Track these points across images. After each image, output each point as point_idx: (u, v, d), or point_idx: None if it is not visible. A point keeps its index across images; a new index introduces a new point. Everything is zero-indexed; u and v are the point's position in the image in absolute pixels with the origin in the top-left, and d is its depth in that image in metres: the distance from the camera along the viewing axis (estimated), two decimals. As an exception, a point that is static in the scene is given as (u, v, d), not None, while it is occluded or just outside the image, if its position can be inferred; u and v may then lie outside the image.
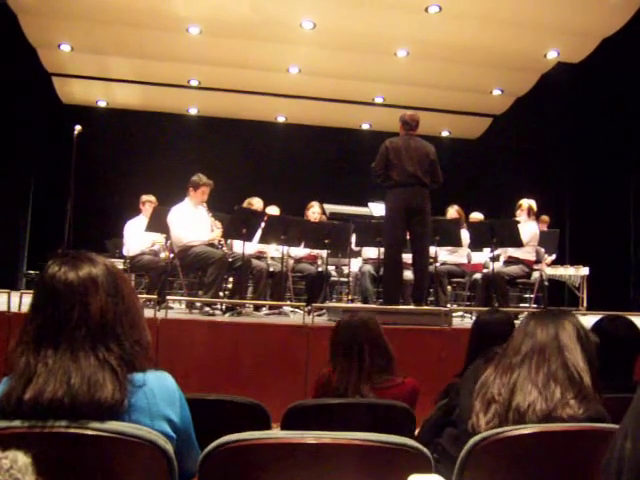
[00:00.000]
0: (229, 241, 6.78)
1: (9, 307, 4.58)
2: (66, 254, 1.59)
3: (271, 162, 11.84)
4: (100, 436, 1.38)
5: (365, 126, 12.62)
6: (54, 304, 1.49)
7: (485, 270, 7.23)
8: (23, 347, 1.47)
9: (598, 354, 1.83)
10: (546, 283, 7.39)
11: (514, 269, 6.79)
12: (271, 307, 6.59)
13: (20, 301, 4.58)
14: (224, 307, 6.15)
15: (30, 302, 1.54)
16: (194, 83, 11.09)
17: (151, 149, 11.31)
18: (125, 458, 1.42)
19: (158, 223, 6.65)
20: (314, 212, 7.48)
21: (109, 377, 1.44)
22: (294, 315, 6.44)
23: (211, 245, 6.32)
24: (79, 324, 1.47)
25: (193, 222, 6.31)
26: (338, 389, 2.58)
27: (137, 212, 7.50)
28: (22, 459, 0.70)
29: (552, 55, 9.60)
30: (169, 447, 1.45)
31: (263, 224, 6.45)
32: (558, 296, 9.48)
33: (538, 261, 7.20)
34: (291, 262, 7.25)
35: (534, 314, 1.95)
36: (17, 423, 1.37)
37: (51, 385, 1.40)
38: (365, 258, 7.66)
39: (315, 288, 7.12)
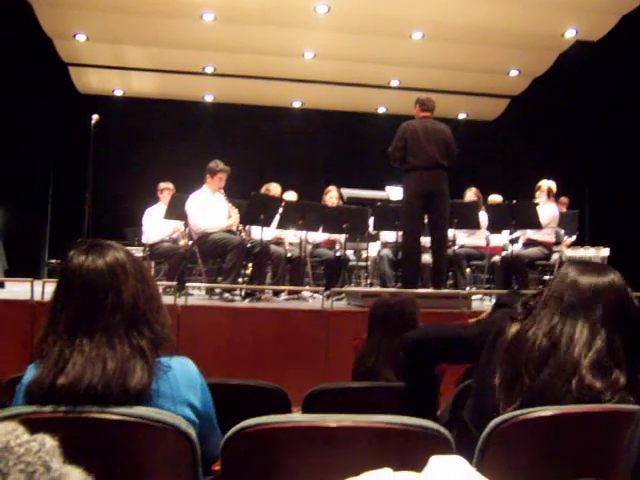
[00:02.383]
0: (247, 227, 6.80)
1: (32, 296, 4.64)
2: (85, 242, 1.61)
3: (288, 147, 11.82)
4: (124, 421, 1.40)
5: (381, 109, 12.55)
6: (87, 293, 1.51)
7: (504, 252, 7.19)
8: (55, 337, 1.48)
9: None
10: (566, 265, 7.32)
11: (533, 251, 6.75)
12: (290, 292, 6.62)
13: (43, 290, 4.64)
14: (243, 293, 6.19)
15: (56, 292, 1.56)
16: (209, 70, 11.08)
17: (168, 137, 11.34)
18: (149, 442, 1.45)
19: (176, 210, 6.68)
20: (332, 197, 7.47)
21: (140, 363, 1.47)
22: (313, 300, 6.46)
23: (229, 231, 6.35)
24: (113, 310, 1.50)
25: (211, 209, 6.33)
26: (359, 365, 2.60)
27: (155, 200, 7.55)
28: (49, 442, 0.72)
29: (570, 34, 9.45)
30: (192, 431, 1.47)
31: (281, 210, 6.46)
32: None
33: (557, 243, 7.15)
34: (309, 247, 7.26)
35: (574, 262, 1.81)
36: (49, 408, 1.40)
37: (89, 372, 1.43)
38: (383, 242, 7.65)
39: (334, 273, 7.13)
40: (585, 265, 1.76)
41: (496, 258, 7.19)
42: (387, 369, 2.54)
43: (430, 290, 5.90)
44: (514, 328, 1.73)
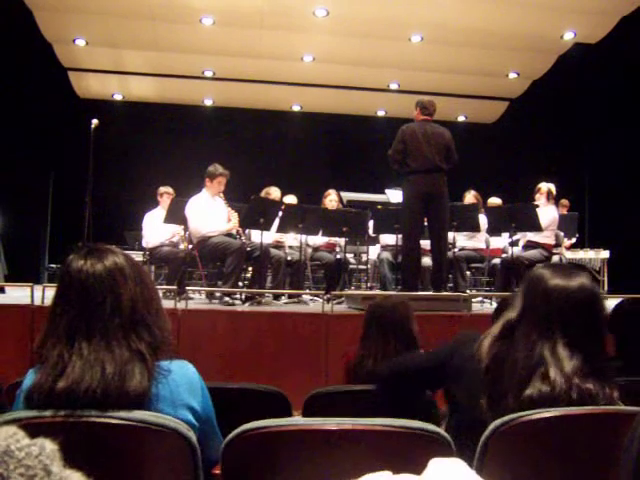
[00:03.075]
0: (247, 231, 6.80)
1: (32, 300, 4.64)
2: (85, 247, 1.61)
3: (287, 151, 11.85)
4: (125, 425, 1.40)
5: (380, 113, 12.57)
6: (86, 297, 1.51)
7: (504, 255, 7.20)
8: (54, 340, 1.49)
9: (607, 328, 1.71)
10: (566, 267, 7.32)
11: (533, 253, 6.75)
12: (290, 296, 6.62)
13: (43, 294, 4.64)
14: (243, 297, 6.18)
15: (56, 296, 1.56)
16: (209, 74, 11.10)
17: (167, 141, 11.36)
18: (149, 446, 1.45)
19: (176, 214, 6.68)
20: (331, 200, 7.47)
21: (139, 367, 1.47)
22: (313, 303, 6.46)
23: (229, 235, 6.35)
24: (112, 315, 1.50)
25: (211, 213, 6.34)
26: (358, 369, 2.61)
27: (155, 204, 7.55)
28: (49, 446, 0.72)
29: (569, 36, 9.47)
30: (192, 435, 1.47)
31: (281, 213, 6.47)
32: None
33: (557, 245, 7.15)
34: (309, 251, 7.26)
35: (545, 266, 1.77)
36: (49, 413, 1.40)
37: (88, 375, 1.43)
38: (383, 245, 7.65)
39: (334, 276, 7.13)
40: (555, 269, 1.74)
41: (496, 261, 7.19)
42: (372, 372, 2.58)
43: (430, 293, 5.90)
44: (488, 345, 1.71)
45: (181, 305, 5.01)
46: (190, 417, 1.54)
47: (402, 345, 2.63)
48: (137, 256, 7.05)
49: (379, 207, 7.22)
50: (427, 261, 6.43)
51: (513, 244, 6.75)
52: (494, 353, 1.69)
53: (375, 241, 7.82)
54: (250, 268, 6.82)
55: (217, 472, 1.62)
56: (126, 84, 11.55)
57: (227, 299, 6.05)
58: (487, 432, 1.54)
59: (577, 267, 1.79)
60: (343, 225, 6.73)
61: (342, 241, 7.27)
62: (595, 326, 1.67)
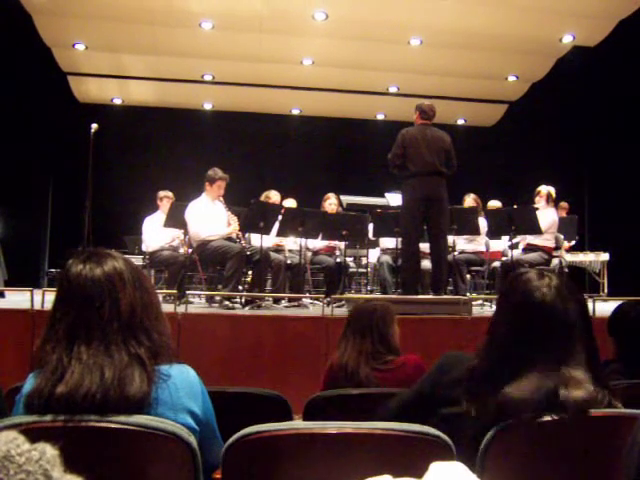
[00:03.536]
0: (247, 235, 6.80)
1: (32, 305, 4.63)
2: (85, 252, 1.61)
3: (287, 155, 11.85)
4: (125, 429, 1.40)
5: (380, 116, 12.59)
6: (84, 301, 1.51)
7: (504, 258, 7.19)
8: (53, 345, 1.49)
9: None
10: (566, 270, 7.33)
11: (533, 256, 6.75)
12: (290, 299, 6.61)
13: (42, 299, 4.64)
14: (243, 300, 6.18)
15: (55, 301, 1.56)
16: (208, 78, 11.12)
17: (167, 145, 11.36)
18: (150, 451, 1.44)
19: (176, 219, 6.69)
20: (331, 203, 7.47)
21: (138, 371, 1.47)
22: (313, 307, 6.45)
23: (229, 239, 6.35)
24: (111, 319, 1.50)
25: (210, 217, 6.34)
26: (339, 371, 2.65)
27: (155, 208, 7.55)
28: (50, 451, 0.72)
29: (567, 39, 9.49)
30: (192, 439, 1.47)
31: (280, 217, 6.47)
32: (578, 282, 9.40)
33: (557, 248, 7.15)
34: (309, 254, 7.26)
35: (521, 274, 1.70)
36: (48, 417, 1.40)
37: (87, 380, 1.43)
38: (383, 248, 7.65)
39: (334, 279, 7.12)
40: (534, 277, 1.69)
41: (496, 264, 7.18)
42: (365, 367, 2.63)
43: (430, 296, 5.89)
44: (471, 384, 1.66)
45: (181, 309, 5.01)
46: (190, 421, 1.54)
47: (378, 344, 2.71)
48: (137, 260, 7.07)
49: (379, 210, 7.22)
50: (427, 264, 6.42)
51: (513, 247, 6.74)
52: (480, 393, 1.63)
53: (375, 244, 7.81)
54: (250, 272, 6.82)
55: (218, 476, 1.62)
56: (126, 88, 11.56)
57: (227, 303, 6.04)
58: (488, 435, 1.54)
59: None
60: (343, 229, 6.73)
61: (342, 244, 7.27)
62: (590, 328, 1.67)
